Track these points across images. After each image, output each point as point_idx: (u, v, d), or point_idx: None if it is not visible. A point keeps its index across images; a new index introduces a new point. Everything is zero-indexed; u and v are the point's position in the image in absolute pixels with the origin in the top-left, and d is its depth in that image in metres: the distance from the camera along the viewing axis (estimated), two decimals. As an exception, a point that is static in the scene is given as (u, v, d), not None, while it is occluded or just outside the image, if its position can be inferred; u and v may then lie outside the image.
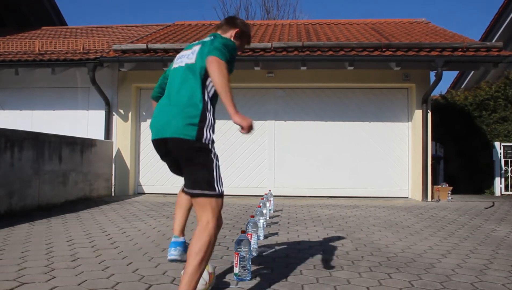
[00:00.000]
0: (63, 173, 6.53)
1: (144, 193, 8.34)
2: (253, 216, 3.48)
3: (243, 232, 2.66)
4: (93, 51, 8.39)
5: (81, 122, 8.39)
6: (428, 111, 7.76)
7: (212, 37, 2.34)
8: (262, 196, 5.54)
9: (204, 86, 2.17)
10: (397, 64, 7.44)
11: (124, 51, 7.86)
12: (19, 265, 2.91)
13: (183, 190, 2.38)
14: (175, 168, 2.31)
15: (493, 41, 11.23)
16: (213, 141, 2.19)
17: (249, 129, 2.04)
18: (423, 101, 7.74)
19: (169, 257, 2.44)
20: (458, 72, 14.01)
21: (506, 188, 9.21)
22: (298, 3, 40.41)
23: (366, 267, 3.01)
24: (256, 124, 8.36)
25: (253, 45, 7.67)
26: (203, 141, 2.11)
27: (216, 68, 2.04)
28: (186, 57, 2.29)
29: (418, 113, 7.88)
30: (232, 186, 8.26)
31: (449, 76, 40.02)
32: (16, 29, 11.70)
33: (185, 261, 2.18)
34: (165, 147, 2.19)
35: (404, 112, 8.31)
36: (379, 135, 8.26)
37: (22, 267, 2.86)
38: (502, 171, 9.19)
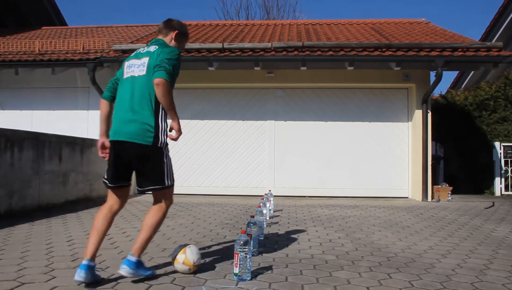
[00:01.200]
0: (63, 173, 6.53)
1: (144, 193, 8.33)
2: (253, 216, 3.48)
3: (243, 232, 2.66)
4: (93, 51, 8.39)
5: (81, 122, 8.39)
6: (428, 111, 7.76)
7: (156, 46, 2.62)
8: (262, 196, 5.54)
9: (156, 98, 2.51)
10: (397, 64, 7.44)
11: (124, 51, 7.86)
12: (19, 265, 2.91)
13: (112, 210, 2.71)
14: (123, 170, 2.63)
15: (493, 41, 11.23)
16: (167, 144, 2.61)
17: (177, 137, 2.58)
18: (423, 101, 7.74)
19: (78, 279, 2.38)
20: (458, 72, 14.01)
21: (506, 188, 9.21)
22: (298, 3, 40.41)
23: (366, 267, 3.00)
24: (256, 124, 8.37)
25: (253, 45, 7.68)
26: (159, 145, 2.54)
27: (160, 91, 2.42)
28: (137, 68, 2.58)
29: (418, 113, 7.88)
30: (232, 186, 8.26)
31: (449, 76, 40.02)
32: (16, 29, 11.71)
33: (92, 282, 2.45)
34: (124, 150, 2.53)
35: (404, 112, 8.30)
36: (379, 135, 8.26)
37: (22, 267, 2.86)
38: (502, 171, 9.19)
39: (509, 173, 9.21)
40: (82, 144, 7.09)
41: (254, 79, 8.21)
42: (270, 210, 5.48)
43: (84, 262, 2.42)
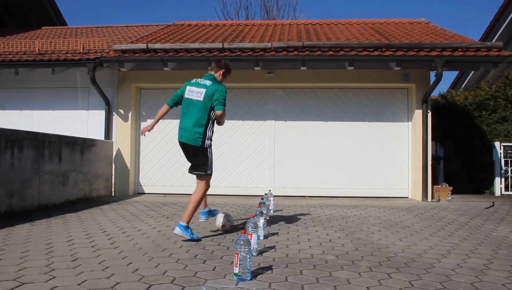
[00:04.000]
0: (63, 173, 6.53)
1: (144, 193, 8.34)
2: (253, 216, 3.48)
3: (243, 232, 2.66)
4: (93, 51, 8.39)
5: (81, 122, 8.38)
6: (428, 111, 7.76)
7: (210, 82, 3.99)
8: (262, 196, 5.54)
9: (209, 117, 3.95)
10: (397, 64, 7.43)
11: (124, 51, 7.86)
12: (19, 265, 2.91)
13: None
14: (188, 157, 4.09)
15: (493, 41, 11.23)
16: (210, 145, 3.99)
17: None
18: (423, 101, 7.74)
19: (202, 220, 4.52)
20: (458, 72, 14.01)
21: (506, 188, 9.20)
22: (298, 3, 40.36)
23: (366, 267, 3.01)
24: (256, 124, 8.37)
25: (253, 45, 7.68)
26: (205, 146, 3.94)
27: (221, 117, 3.96)
28: (196, 94, 3.97)
29: (418, 113, 7.88)
30: (232, 186, 8.26)
31: (449, 76, 40.04)
32: (16, 29, 11.71)
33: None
34: (185, 147, 4.01)
35: (404, 112, 8.30)
36: (379, 135, 8.26)
37: (22, 267, 2.86)
38: (502, 171, 9.18)
39: (509, 173, 9.21)
40: (82, 144, 7.10)
41: (254, 79, 8.21)
42: (270, 210, 5.48)
43: (205, 210, 4.45)
